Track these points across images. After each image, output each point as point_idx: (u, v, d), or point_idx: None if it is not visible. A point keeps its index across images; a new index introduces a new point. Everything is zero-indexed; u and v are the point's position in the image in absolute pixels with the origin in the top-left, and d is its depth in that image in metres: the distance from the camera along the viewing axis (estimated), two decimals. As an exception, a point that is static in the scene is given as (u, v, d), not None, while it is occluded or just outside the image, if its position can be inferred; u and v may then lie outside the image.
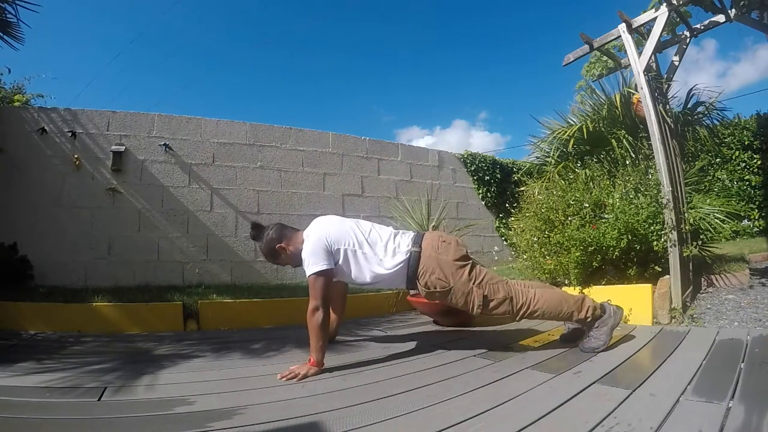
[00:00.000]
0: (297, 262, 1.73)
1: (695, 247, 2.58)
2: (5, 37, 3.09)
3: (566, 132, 3.54)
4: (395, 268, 1.67)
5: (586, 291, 2.47)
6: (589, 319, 1.71)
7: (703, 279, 2.87)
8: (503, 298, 1.67)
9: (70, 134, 3.65)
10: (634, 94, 3.03)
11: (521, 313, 1.69)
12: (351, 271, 1.68)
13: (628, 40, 2.79)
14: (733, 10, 2.96)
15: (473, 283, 1.66)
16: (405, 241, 1.72)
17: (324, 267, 1.59)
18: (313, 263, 1.59)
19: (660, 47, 3.20)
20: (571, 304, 1.71)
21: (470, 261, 1.72)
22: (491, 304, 1.67)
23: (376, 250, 1.68)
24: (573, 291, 2.48)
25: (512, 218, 3.42)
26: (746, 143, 5.97)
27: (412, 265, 1.66)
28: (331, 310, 1.79)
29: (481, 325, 2.48)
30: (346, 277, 1.73)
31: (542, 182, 3.38)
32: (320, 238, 1.64)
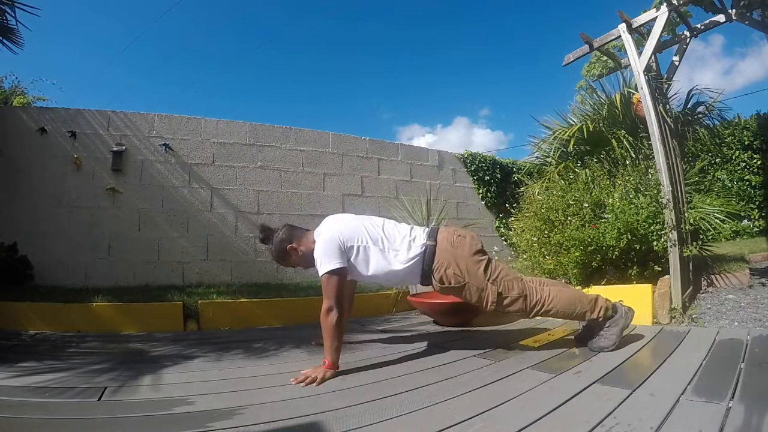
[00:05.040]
0: (308, 263, 1.71)
1: (695, 247, 2.58)
2: (5, 41, 3.09)
3: (566, 132, 3.54)
4: (410, 263, 1.63)
5: (585, 291, 2.47)
6: (600, 319, 1.69)
7: (703, 279, 2.87)
8: (517, 295, 1.65)
9: (70, 134, 3.64)
10: (634, 94, 3.03)
11: (535, 311, 1.67)
12: (364, 269, 1.63)
13: (628, 40, 2.80)
14: (734, 9, 2.96)
15: (488, 279, 1.64)
16: (420, 235, 1.70)
17: (337, 266, 1.54)
18: (326, 262, 1.54)
19: (660, 47, 3.20)
20: (584, 304, 1.69)
21: (486, 256, 1.70)
22: (505, 301, 1.65)
23: (393, 243, 1.64)
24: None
25: (512, 218, 3.42)
26: (746, 143, 5.98)
27: (428, 260, 1.64)
28: None
29: (481, 325, 2.48)
30: (359, 275, 1.67)
31: (542, 182, 3.38)
32: (333, 237, 1.59)
